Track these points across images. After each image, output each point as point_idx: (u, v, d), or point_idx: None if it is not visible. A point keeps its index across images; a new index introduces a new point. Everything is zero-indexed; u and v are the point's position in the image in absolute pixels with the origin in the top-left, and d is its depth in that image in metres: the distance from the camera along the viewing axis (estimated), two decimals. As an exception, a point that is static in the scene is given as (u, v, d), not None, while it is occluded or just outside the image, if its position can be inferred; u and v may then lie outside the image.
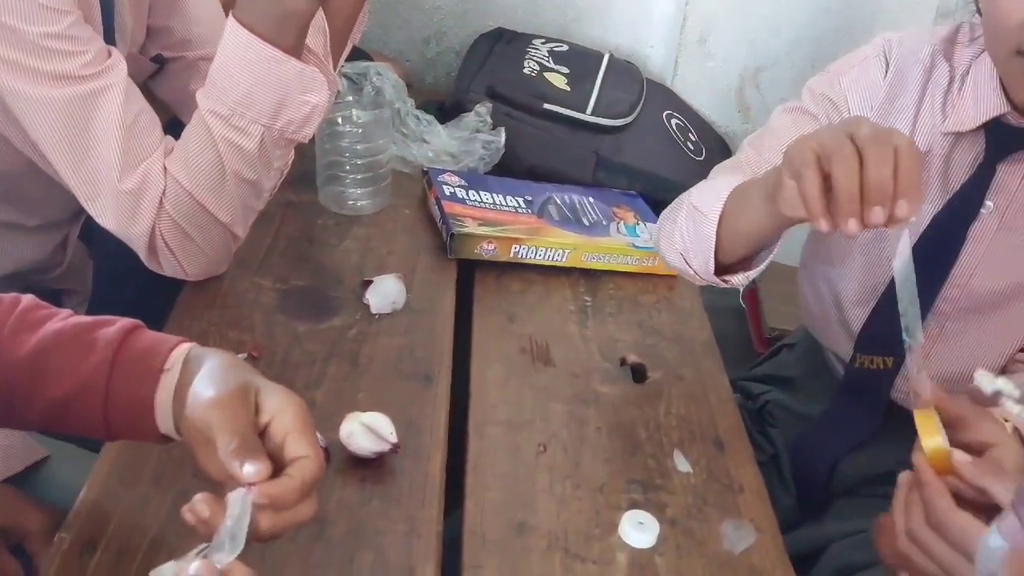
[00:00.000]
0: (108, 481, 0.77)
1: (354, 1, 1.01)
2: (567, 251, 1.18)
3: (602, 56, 1.52)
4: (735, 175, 1.03)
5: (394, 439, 0.83)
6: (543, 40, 1.53)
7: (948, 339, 1.00)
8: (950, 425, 0.70)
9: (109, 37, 0.97)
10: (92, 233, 1.16)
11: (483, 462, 0.88)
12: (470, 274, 1.16)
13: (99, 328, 0.68)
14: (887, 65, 1.00)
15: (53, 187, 0.97)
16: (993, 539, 0.58)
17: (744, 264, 0.94)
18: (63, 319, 0.69)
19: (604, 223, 1.25)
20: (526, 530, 0.82)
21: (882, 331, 1.01)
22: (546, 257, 1.18)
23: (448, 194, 1.22)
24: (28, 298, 0.71)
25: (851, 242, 1.03)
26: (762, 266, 0.93)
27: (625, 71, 1.53)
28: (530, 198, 1.26)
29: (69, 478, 0.85)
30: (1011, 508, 0.58)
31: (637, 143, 1.42)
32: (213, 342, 0.95)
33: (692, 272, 0.98)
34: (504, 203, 1.23)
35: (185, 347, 0.67)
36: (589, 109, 1.40)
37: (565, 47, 1.53)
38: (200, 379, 0.64)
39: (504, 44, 1.52)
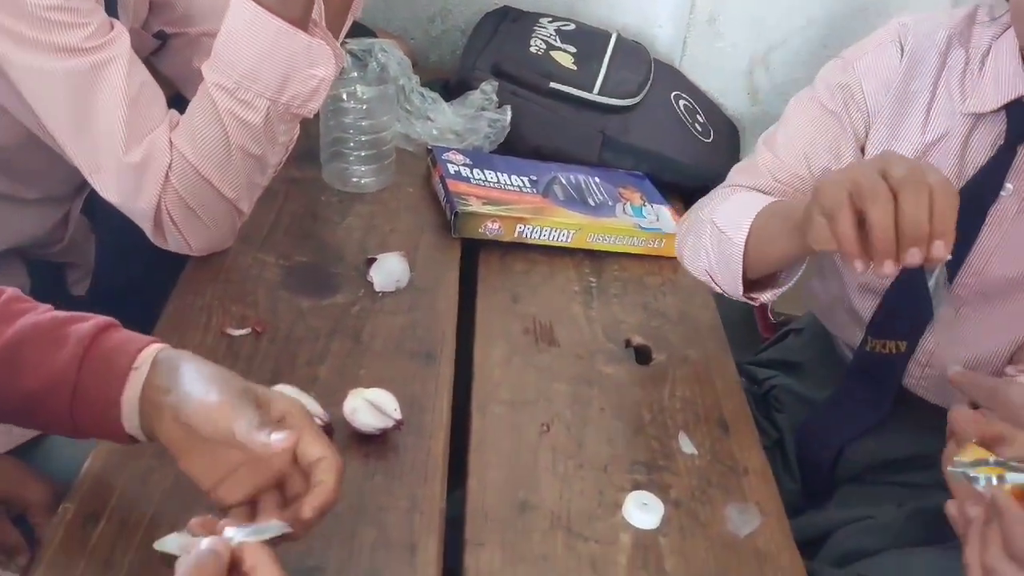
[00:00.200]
0: (111, 453, 0.77)
1: None
2: (572, 231, 1.17)
3: (610, 35, 1.51)
4: (755, 178, 1.04)
5: (398, 416, 0.83)
6: (550, 19, 1.52)
7: (963, 324, 0.99)
8: (987, 445, 0.69)
9: (112, 10, 0.96)
10: (95, 208, 1.15)
11: (486, 441, 0.88)
12: (474, 253, 1.15)
13: (74, 323, 0.67)
14: (902, 50, 0.98)
15: (55, 160, 0.96)
16: None
17: (772, 280, 0.94)
18: (41, 312, 0.68)
19: (610, 204, 1.24)
20: (528, 509, 0.81)
21: (897, 315, 1.00)
22: (551, 237, 1.17)
23: (452, 172, 1.21)
24: (11, 291, 0.70)
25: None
26: (790, 283, 0.94)
27: (633, 51, 1.51)
28: (535, 178, 1.25)
29: (71, 450, 0.85)
30: None
31: (644, 124, 1.40)
32: (217, 317, 0.94)
33: (720, 290, 0.99)
34: (509, 182, 1.22)
35: (156, 347, 0.67)
36: (596, 88, 1.38)
37: (572, 26, 1.51)
38: (192, 382, 0.63)
39: (510, 22, 1.51)
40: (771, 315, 1.63)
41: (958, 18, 0.98)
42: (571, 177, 1.28)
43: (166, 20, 1.10)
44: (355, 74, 1.24)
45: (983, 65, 0.94)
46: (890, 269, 0.71)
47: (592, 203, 1.23)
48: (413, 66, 1.38)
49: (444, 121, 1.32)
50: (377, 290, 1.03)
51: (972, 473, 0.64)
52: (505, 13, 1.54)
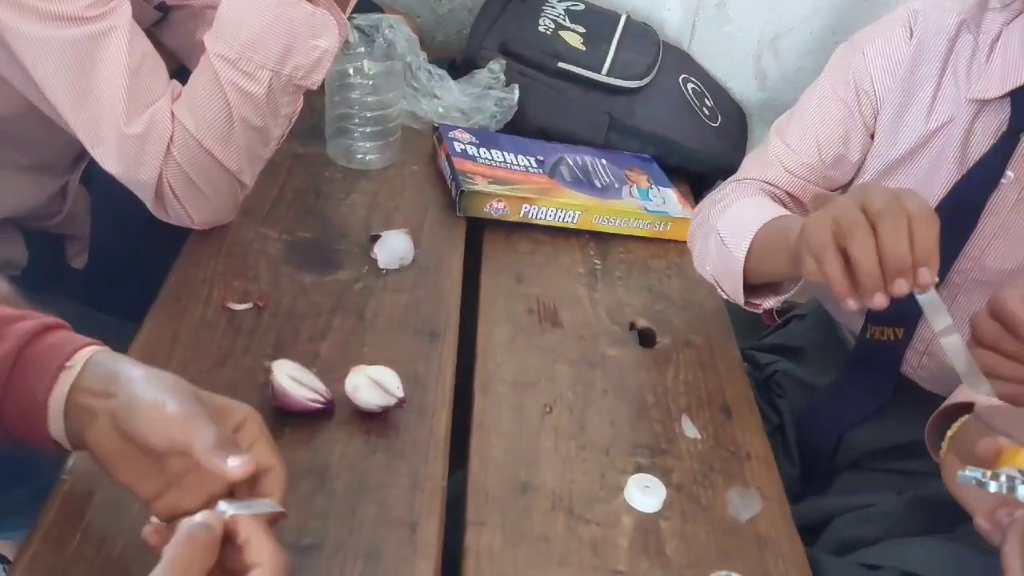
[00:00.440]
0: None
1: None
2: (578, 213, 1.16)
3: (619, 17, 1.49)
4: (765, 169, 1.04)
5: (400, 393, 0.82)
6: (559, -2, 1.50)
7: (959, 312, 0.98)
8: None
9: None
10: (93, 179, 1.14)
11: (488, 420, 0.87)
12: (479, 233, 1.14)
13: (17, 322, 0.63)
14: (911, 35, 0.98)
15: (54, 131, 0.95)
16: None
17: (776, 286, 0.95)
18: None
19: (616, 186, 1.23)
20: (530, 489, 0.81)
21: (894, 301, 1.00)
22: (557, 218, 1.16)
23: (459, 151, 1.20)
24: None
25: None
26: (792, 291, 0.94)
27: (642, 33, 1.50)
28: (542, 158, 1.24)
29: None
30: None
31: (652, 106, 1.39)
32: (218, 291, 0.94)
33: (724, 295, 1.00)
34: (515, 162, 1.21)
35: (93, 348, 0.62)
36: (604, 69, 1.37)
37: (582, 6, 1.49)
38: (140, 387, 0.59)
39: (519, 1, 1.49)
40: (775, 302, 1.62)
41: (969, 3, 0.97)
42: (578, 158, 1.27)
43: None
44: (361, 49, 1.23)
45: (992, 51, 0.94)
46: (881, 302, 0.71)
47: (599, 185, 1.22)
48: (420, 43, 1.37)
49: (450, 99, 1.30)
50: (381, 267, 1.02)
51: (984, 479, 0.63)
52: (513, -8, 1.52)
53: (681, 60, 1.54)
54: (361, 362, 0.84)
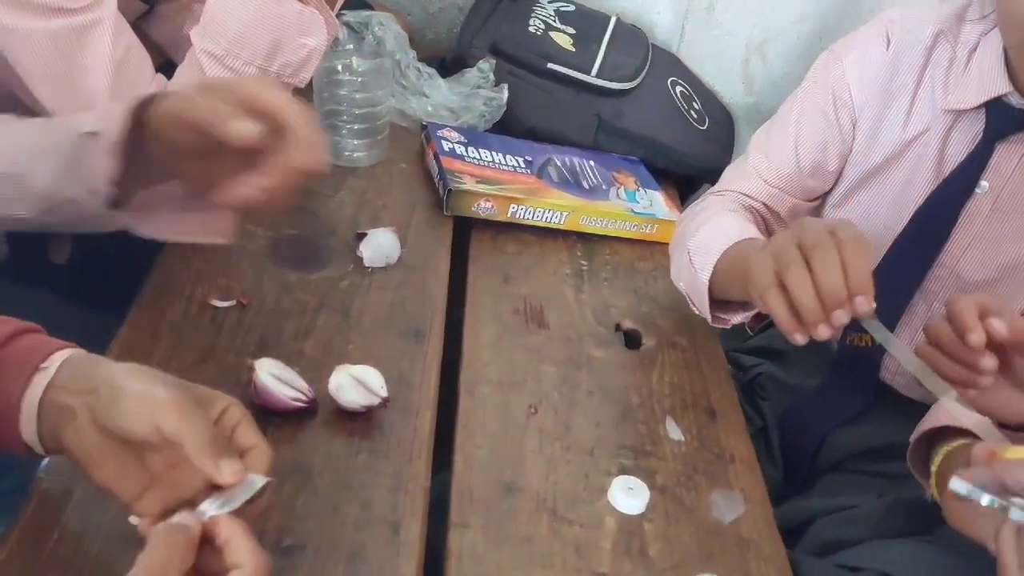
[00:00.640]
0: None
1: None
2: (565, 213, 1.16)
3: (609, 19, 1.49)
4: (744, 181, 1.06)
5: (384, 393, 0.82)
6: (549, -1, 1.50)
7: (936, 319, 0.99)
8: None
9: None
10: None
11: (473, 421, 0.87)
12: (466, 232, 1.14)
13: None
14: (888, 45, 1.00)
15: None
16: None
17: (743, 303, 0.96)
18: None
19: (604, 187, 1.23)
20: (514, 490, 0.81)
21: None
22: (544, 219, 1.16)
23: (447, 150, 1.19)
24: None
25: None
26: (759, 307, 0.94)
27: (631, 35, 1.50)
28: (530, 158, 1.24)
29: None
30: None
31: (640, 109, 1.39)
32: (201, 288, 0.93)
33: (696, 310, 1.01)
34: (503, 162, 1.21)
35: (69, 351, 0.61)
36: (594, 71, 1.37)
37: (572, 7, 1.49)
38: (124, 378, 0.58)
39: (509, 1, 1.49)
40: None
41: (946, 14, 0.98)
42: (566, 159, 1.27)
43: None
44: (350, 46, 1.22)
45: (969, 61, 0.95)
46: (825, 334, 0.73)
47: (586, 186, 1.22)
48: (410, 41, 1.36)
49: (439, 97, 1.30)
50: (367, 265, 1.01)
51: (974, 492, 0.63)
52: (504, -8, 1.52)
53: (670, 63, 1.54)
54: (346, 361, 0.84)
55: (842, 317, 0.72)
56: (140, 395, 0.57)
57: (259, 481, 0.58)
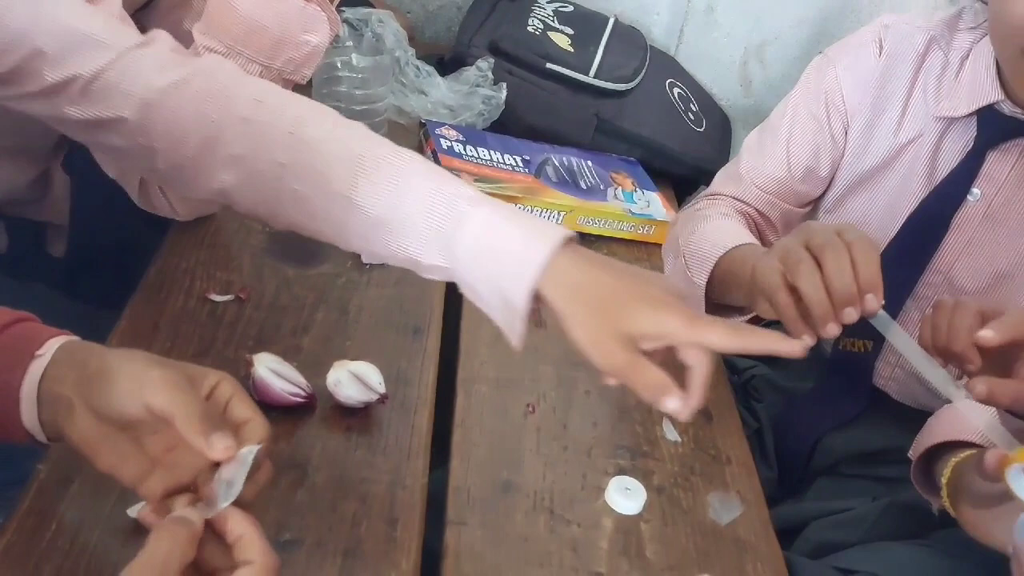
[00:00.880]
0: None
1: None
2: (563, 213, 1.16)
3: (607, 19, 1.49)
4: (737, 185, 1.06)
5: (382, 389, 0.82)
6: (548, -1, 1.50)
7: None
8: None
9: None
10: (75, 166, 1.12)
11: (470, 419, 0.87)
12: (464, 230, 1.13)
13: None
14: (881, 50, 1.00)
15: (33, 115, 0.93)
16: None
17: (740, 309, 0.96)
18: None
19: (602, 188, 1.24)
20: (512, 489, 0.81)
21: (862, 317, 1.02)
22: (541, 218, 1.16)
23: (445, 148, 1.19)
24: None
25: None
26: (752, 314, 0.95)
27: (629, 36, 1.50)
28: (528, 158, 1.24)
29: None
30: None
31: (638, 109, 1.40)
32: (200, 282, 0.93)
33: None
34: (502, 161, 1.21)
35: (64, 338, 0.61)
36: (592, 72, 1.37)
37: (570, 7, 1.50)
38: (117, 361, 0.58)
39: (508, 1, 1.49)
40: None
41: (939, 21, 0.98)
42: (564, 159, 1.27)
43: None
44: (350, 43, 1.22)
45: (961, 69, 0.95)
46: (834, 331, 0.74)
47: (584, 186, 1.22)
48: (409, 39, 1.36)
49: (438, 95, 1.30)
50: (365, 262, 1.01)
51: None
52: (503, -9, 1.52)
53: (668, 64, 1.55)
54: (343, 357, 0.84)
55: (852, 315, 0.72)
56: (130, 375, 0.57)
57: (250, 453, 0.57)
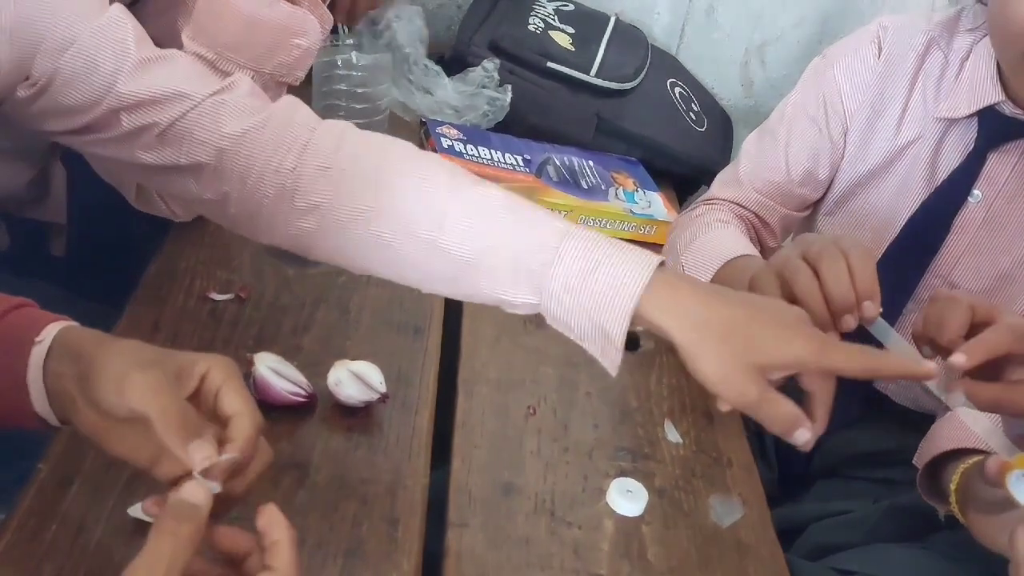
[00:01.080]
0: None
1: None
2: (564, 213, 1.16)
3: (608, 18, 1.49)
4: (735, 189, 1.05)
5: (383, 389, 0.81)
6: (549, -3, 1.50)
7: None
8: None
9: None
10: (74, 165, 1.11)
11: (471, 420, 0.87)
12: (464, 230, 1.13)
13: None
14: (880, 52, 0.99)
15: None
16: None
17: None
18: None
19: (603, 188, 1.23)
20: (513, 491, 0.80)
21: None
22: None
23: (446, 146, 1.19)
24: None
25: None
26: None
27: (631, 35, 1.50)
28: (529, 157, 1.24)
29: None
30: None
31: (639, 109, 1.39)
32: (200, 281, 0.92)
33: None
34: (502, 160, 1.21)
35: (61, 324, 0.61)
36: (593, 71, 1.37)
37: (571, 6, 1.49)
38: (104, 358, 0.58)
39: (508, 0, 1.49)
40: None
41: (938, 22, 0.98)
42: (565, 159, 1.27)
43: None
44: (351, 41, 1.21)
45: (961, 70, 0.95)
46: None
47: (585, 186, 1.22)
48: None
49: (443, 95, 1.30)
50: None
51: None
52: (504, -10, 1.52)
53: (669, 64, 1.55)
54: (344, 356, 0.83)
55: (850, 322, 0.73)
56: (112, 376, 0.56)
57: (228, 457, 0.55)
